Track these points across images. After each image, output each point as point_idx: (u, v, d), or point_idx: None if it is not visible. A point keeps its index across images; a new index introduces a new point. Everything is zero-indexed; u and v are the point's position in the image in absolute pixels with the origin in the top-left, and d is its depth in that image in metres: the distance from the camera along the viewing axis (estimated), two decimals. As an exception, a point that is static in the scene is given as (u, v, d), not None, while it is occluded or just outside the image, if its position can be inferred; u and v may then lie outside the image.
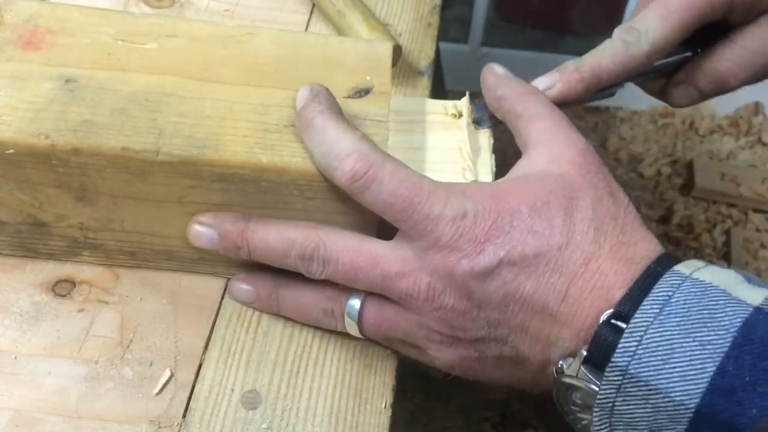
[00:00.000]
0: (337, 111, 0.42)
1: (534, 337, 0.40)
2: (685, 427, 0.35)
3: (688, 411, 0.35)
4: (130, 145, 0.41)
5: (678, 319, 0.36)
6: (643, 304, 0.36)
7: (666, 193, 1.68)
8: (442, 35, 0.70)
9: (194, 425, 0.42)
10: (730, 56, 0.51)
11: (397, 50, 0.60)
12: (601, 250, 0.39)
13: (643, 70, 0.50)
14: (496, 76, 0.48)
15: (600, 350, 0.37)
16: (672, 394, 0.35)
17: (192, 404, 0.43)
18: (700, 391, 0.35)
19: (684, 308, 0.36)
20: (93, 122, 0.42)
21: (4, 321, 0.45)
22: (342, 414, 0.43)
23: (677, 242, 1.59)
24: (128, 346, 0.45)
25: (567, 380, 0.39)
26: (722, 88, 0.52)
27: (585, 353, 0.38)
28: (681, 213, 1.64)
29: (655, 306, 0.36)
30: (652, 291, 0.37)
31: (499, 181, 0.43)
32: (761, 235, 1.61)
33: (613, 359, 0.36)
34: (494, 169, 0.47)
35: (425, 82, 0.61)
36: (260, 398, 0.44)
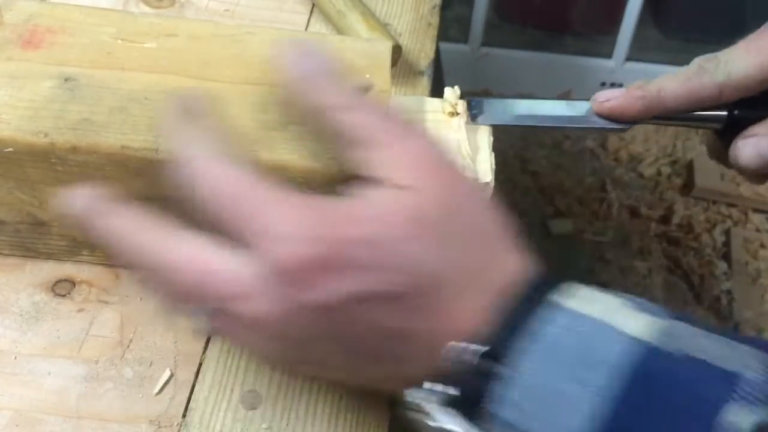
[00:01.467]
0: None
1: (392, 358, 0.36)
2: None
3: None
4: (130, 144, 0.41)
5: (557, 363, 0.32)
6: (514, 342, 0.33)
7: (666, 193, 1.69)
8: (442, 35, 0.70)
9: (194, 425, 0.42)
10: None
11: (397, 50, 0.60)
12: (459, 285, 0.34)
13: (713, 103, 0.46)
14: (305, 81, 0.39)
15: (467, 392, 0.34)
16: None
17: (192, 404, 0.43)
18: None
19: (562, 347, 0.32)
20: (92, 121, 0.42)
21: (4, 321, 0.45)
22: (342, 413, 0.43)
23: (677, 242, 1.60)
24: (128, 346, 0.45)
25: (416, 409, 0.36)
26: None
27: (441, 389, 0.34)
28: (681, 213, 1.64)
29: (534, 344, 0.33)
30: (523, 326, 0.33)
31: (350, 204, 0.35)
32: (761, 235, 1.61)
33: (491, 408, 0.33)
34: (494, 166, 0.47)
35: (425, 82, 0.61)
36: (260, 398, 0.43)
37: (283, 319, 0.34)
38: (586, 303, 0.34)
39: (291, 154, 0.42)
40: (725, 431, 0.30)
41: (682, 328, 0.34)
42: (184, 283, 0.35)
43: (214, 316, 0.35)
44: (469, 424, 0.34)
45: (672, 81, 0.46)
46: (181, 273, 0.35)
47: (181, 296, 0.35)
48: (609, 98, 0.47)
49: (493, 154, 0.47)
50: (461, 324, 0.34)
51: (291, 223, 0.33)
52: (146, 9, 0.63)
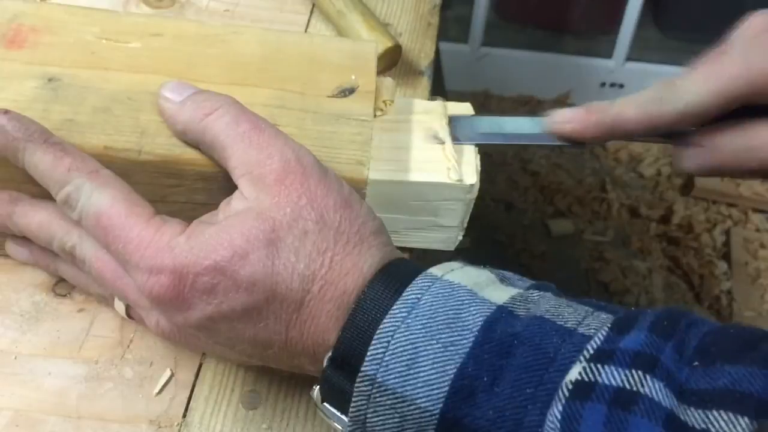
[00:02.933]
0: (37, 136, 0.39)
1: (276, 361, 0.40)
2: None
3: (434, 417, 0.34)
4: (113, 144, 0.41)
5: (423, 322, 0.34)
6: (392, 308, 0.35)
7: (666, 193, 1.69)
8: (442, 35, 0.70)
9: (194, 425, 0.42)
10: (762, 136, 0.45)
11: (397, 50, 0.60)
12: (308, 294, 0.36)
13: (672, 130, 0.46)
14: (169, 105, 0.42)
15: (332, 389, 0.36)
16: (417, 401, 0.34)
17: (192, 404, 0.43)
18: (442, 395, 0.33)
19: (430, 310, 0.35)
20: (75, 121, 0.42)
21: (4, 321, 0.45)
22: (342, 414, 0.43)
23: (677, 242, 1.60)
24: (128, 346, 0.45)
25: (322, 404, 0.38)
26: (740, 166, 0.46)
27: (320, 391, 0.37)
28: (681, 213, 1.64)
29: (404, 310, 0.35)
30: (403, 295, 0.35)
31: (210, 227, 0.37)
32: (761, 235, 1.61)
33: (362, 368, 0.35)
34: (479, 167, 0.47)
35: (425, 82, 0.61)
36: (260, 398, 0.43)
37: (170, 330, 0.40)
38: (462, 275, 0.37)
39: None
40: (553, 382, 0.32)
41: (539, 296, 0.36)
42: (102, 281, 0.41)
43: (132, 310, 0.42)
44: (340, 416, 0.37)
45: (630, 107, 0.45)
46: (100, 274, 0.40)
47: (100, 284, 0.42)
48: (567, 120, 0.46)
49: (478, 156, 0.47)
50: (315, 329, 0.37)
51: (154, 258, 0.37)
52: (146, 9, 0.63)
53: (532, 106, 1.80)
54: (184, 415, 0.43)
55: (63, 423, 0.42)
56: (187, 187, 0.43)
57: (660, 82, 0.46)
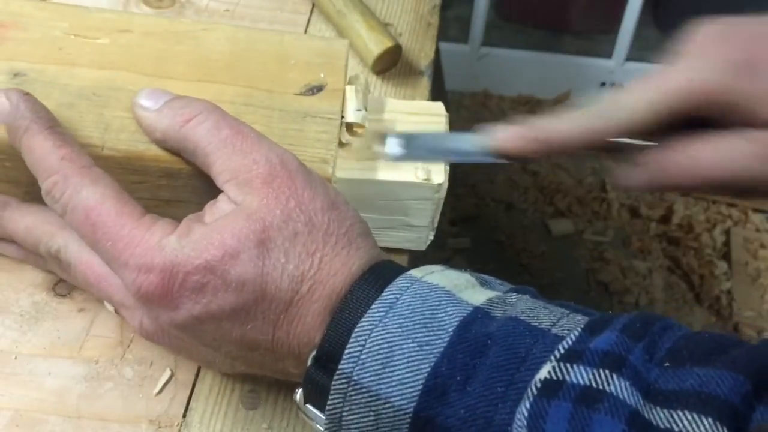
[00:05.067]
0: (44, 122, 0.39)
1: (261, 364, 0.39)
2: None
3: (407, 416, 0.34)
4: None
5: (400, 321, 0.35)
6: (371, 308, 0.35)
7: (666, 193, 1.68)
8: (442, 35, 0.70)
9: (194, 425, 0.42)
10: (702, 154, 0.43)
11: (397, 50, 0.60)
12: (297, 294, 0.36)
13: (608, 147, 0.44)
14: (146, 114, 0.41)
15: (314, 389, 0.36)
16: (391, 400, 0.34)
17: (192, 404, 0.43)
18: (416, 394, 0.33)
19: (407, 310, 0.35)
20: None
21: (4, 321, 0.45)
22: (342, 414, 0.43)
23: (677, 242, 1.60)
24: (128, 346, 0.45)
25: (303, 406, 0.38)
26: (682, 183, 0.44)
27: (302, 393, 0.37)
28: (681, 213, 1.64)
29: (382, 309, 0.35)
30: (382, 295, 0.36)
31: (201, 227, 0.37)
32: (761, 235, 1.61)
33: (339, 366, 0.35)
34: (447, 167, 0.47)
35: (425, 82, 0.61)
36: (260, 398, 0.43)
37: (154, 330, 0.39)
38: (441, 277, 0.37)
39: None
40: (524, 381, 0.32)
41: (517, 299, 0.36)
42: (87, 285, 0.41)
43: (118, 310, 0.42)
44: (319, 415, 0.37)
45: (570, 123, 0.43)
46: (84, 277, 0.40)
47: (85, 288, 0.42)
48: (507, 137, 0.44)
49: None
50: (301, 328, 0.37)
51: (143, 256, 0.36)
52: (147, 10, 0.63)
53: (532, 106, 1.80)
54: (184, 415, 0.43)
55: (63, 423, 0.42)
56: (151, 183, 0.42)
57: (603, 96, 0.44)
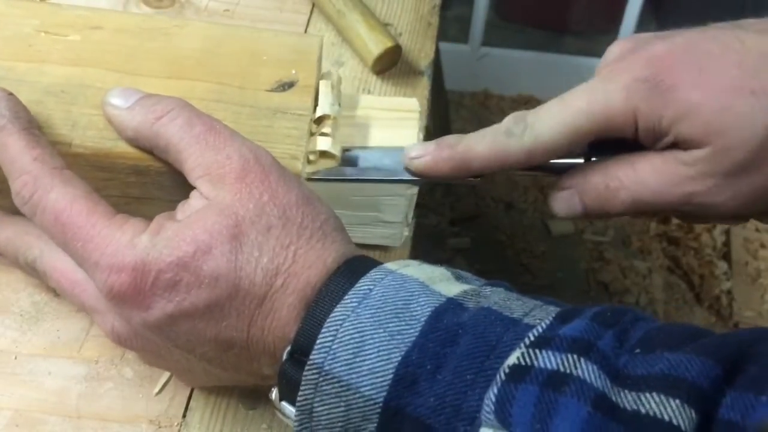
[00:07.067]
0: (21, 122, 0.39)
1: (235, 366, 0.39)
2: (375, 424, 0.34)
3: (377, 406, 0.34)
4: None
5: (372, 312, 0.35)
6: (344, 299, 0.35)
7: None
8: (442, 35, 0.70)
9: (194, 425, 0.42)
10: (621, 176, 0.43)
11: (397, 50, 0.60)
12: (271, 289, 0.36)
13: (523, 167, 0.43)
14: (117, 112, 0.41)
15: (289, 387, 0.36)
16: (362, 389, 0.34)
17: (192, 404, 0.43)
18: (386, 384, 0.33)
19: (380, 301, 0.35)
20: None
21: (4, 321, 0.45)
22: (342, 414, 0.43)
23: (677, 242, 1.60)
24: (128, 346, 0.45)
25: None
26: (605, 208, 0.44)
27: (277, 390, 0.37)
28: (681, 213, 1.64)
29: (355, 300, 0.35)
30: (355, 286, 0.36)
31: (173, 224, 0.37)
32: (761, 235, 1.61)
33: (310, 357, 0.34)
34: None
35: (425, 82, 0.61)
36: (260, 398, 0.43)
37: (126, 333, 0.39)
38: (416, 270, 0.37)
39: None
40: (493, 369, 0.32)
41: (491, 291, 0.36)
42: (62, 292, 0.41)
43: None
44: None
45: (480, 142, 0.43)
46: (58, 284, 0.40)
47: (62, 295, 0.41)
48: (420, 155, 0.44)
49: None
50: (276, 323, 0.36)
51: (114, 256, 0.36)
52: (147, 9, 0.63)
53: (532, 106, 1.79)
54: (184, 415, 0.43)
55: (63, 423, 0.42)
56: (120, 180, 0.42)
57: (512, 116, 0.43)
